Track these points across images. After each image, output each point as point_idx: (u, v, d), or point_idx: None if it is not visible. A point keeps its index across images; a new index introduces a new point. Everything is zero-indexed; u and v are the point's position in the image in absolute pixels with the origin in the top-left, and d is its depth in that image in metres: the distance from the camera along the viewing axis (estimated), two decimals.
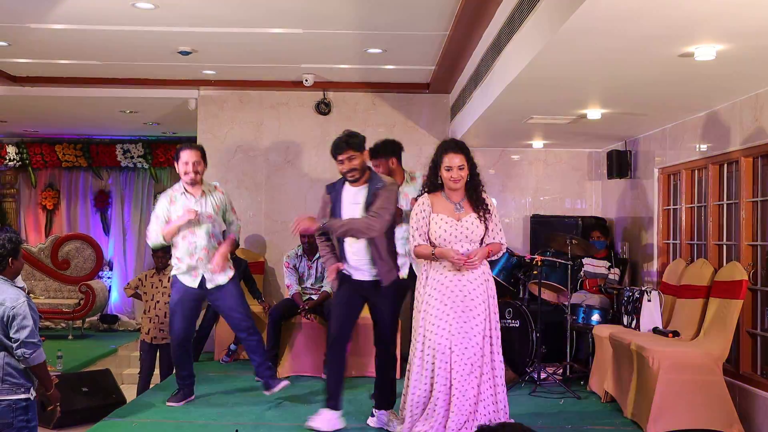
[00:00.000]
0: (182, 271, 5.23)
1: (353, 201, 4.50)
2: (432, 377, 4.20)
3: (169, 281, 6.77)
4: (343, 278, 4.62)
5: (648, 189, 6.74)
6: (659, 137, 6.51)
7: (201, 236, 5.16)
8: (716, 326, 4.94)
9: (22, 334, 3.83)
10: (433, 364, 4.19)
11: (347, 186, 4.55)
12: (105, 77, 7.70)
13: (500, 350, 4.33)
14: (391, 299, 4.65)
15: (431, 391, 4.20)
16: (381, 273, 4.53)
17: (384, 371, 4.74)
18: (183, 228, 5.15)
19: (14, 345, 3.83)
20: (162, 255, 6.87)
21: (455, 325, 4.17)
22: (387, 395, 4.74)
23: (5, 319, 3.84)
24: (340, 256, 4.61)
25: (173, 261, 5.32)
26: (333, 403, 4.65)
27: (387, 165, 5.25)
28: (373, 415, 4.80)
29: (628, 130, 6.68)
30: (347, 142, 4.53)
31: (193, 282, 5.21)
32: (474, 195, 4.26)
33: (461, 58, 6.50)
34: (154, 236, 5.21)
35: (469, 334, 4.16)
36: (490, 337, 4.27)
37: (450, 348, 4.15)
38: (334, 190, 4.60)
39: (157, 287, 6.71)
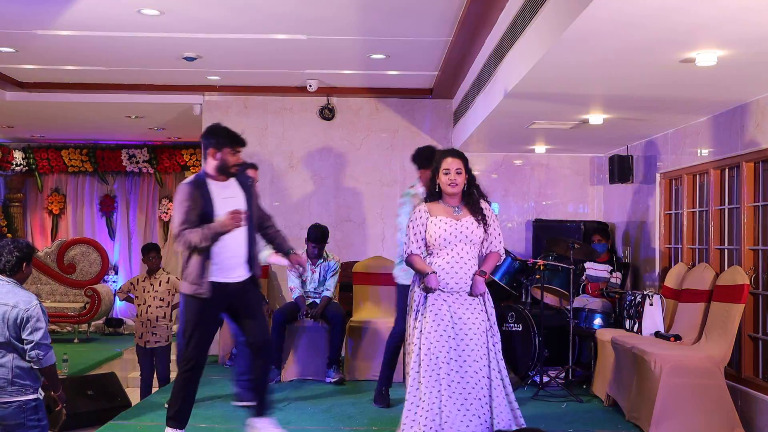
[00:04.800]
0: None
1: (227, 195, 4.31)
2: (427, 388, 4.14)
3: (160, 285, 6.82)
4: (192, 297, 4.29)
5: (650, 193, 6.76)
6: (661, 142, 6.54)
7: None
8: (718, 330, 4.95)
9: (36, 336, 3.95)
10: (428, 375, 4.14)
11: (210, 181, 4.33)
12: (111, 83, 7.75)
13: (501, 357, 4.29)
14: (256, 296, 4.49)
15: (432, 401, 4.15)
16: (257, 271, 4.45)
17: (266, 372, 4.49)
18: None
19: (27, 346, 3.94)
20: (154, 256, 6.89)
21: (452, 343, 4.14)
22: (269, 398, 4.50)
23: (18, 321, 3.96)
24: (206, 263, 4.24)
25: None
26: (183, 423, 4.38)
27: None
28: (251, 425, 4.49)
29: (630, 135, 6.69)
30: (241, 138, 4.41)
31: None
32: (471, 201, 4.26)
33: (464, 63, 6.53)
34: None
35: (468, 347, 4.16)
36: (493, 345, 4.26)
37: (447, 362, 4.12)
38: (201, 187, 4.27)
39: (148, 291, 6.73)
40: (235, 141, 4.36)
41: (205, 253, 4.22)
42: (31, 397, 4.00)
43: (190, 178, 4.39)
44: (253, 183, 4.50)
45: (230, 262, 4.30)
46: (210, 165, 4.34)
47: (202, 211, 4.22)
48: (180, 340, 4.88)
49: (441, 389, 4.07)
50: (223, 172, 4.33)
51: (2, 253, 4.06)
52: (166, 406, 4.58)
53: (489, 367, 4.15)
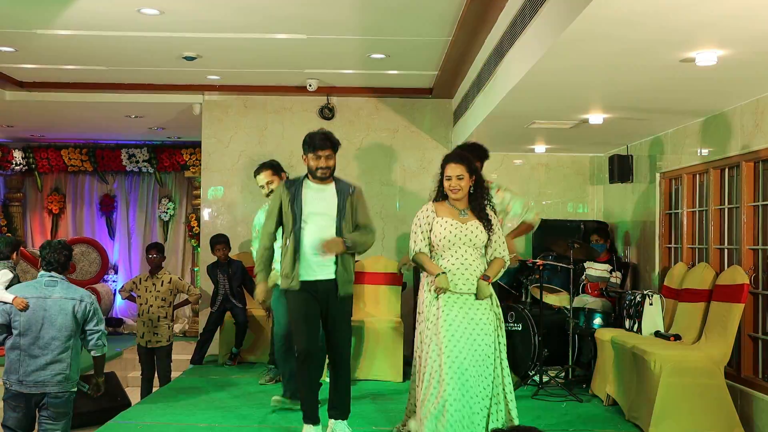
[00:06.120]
0: None
1: (318, 198, 4.49)
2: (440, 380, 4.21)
3: (162, 285, 6.81)
4: (288, 292, 4.50)
5: (650, 193, 6.77)
6: (660, 142, 6.54)
7: None
8: (717, 330, 4.96)
9: (101, 326, 4.55)
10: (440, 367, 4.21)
11: (308, 183, 4.54)
12: (110, 82, 7.77)
13: (505, 356, 4.34)
14: (348, 308, 4.64)
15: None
16: (342, 281, 4.49)
17: (336, 385, 4.60)
18: None
19: (93, 336, 4.52)
20: (154, 254, 6.90)
21: (464, 340, 4.19)
22: (338, 406, 4.60)
23: (85, 313, 4.47)
24: (296, 256, 4.43)
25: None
26: (313, 419, 4.56)
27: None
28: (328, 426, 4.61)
29: (629, 134, 6.71)
30: (330, 140, 4.55)
31: None
32: (477, 205, 4.30)
33: (464, 63, 6.54)
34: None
35: (478, 343, 4.21)
36: (499, 343, 4.30)
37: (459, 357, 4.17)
38: (293, 186, 4.54)
39: (150, 290, 6.75)
40: (313, 146, 4.52)
41: (296, 249, 4.45)
42: (75, 389, 4.53)
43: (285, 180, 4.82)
44: (354, 192, 4.58)
45: (314, 259, 4.45)
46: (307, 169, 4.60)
47: (290, 207, 4.46)
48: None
49: (466, 389, 4.10)
50: (313, 175, 4.55)
51: (54, 252, 4.52)
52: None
53: (493, 366, 4.21)
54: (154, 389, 6.75)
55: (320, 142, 4.51)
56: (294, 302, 4.51)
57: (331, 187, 4.55)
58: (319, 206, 4.47)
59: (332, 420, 4.60)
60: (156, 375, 6.96)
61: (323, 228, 4.44)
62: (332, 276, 4.47)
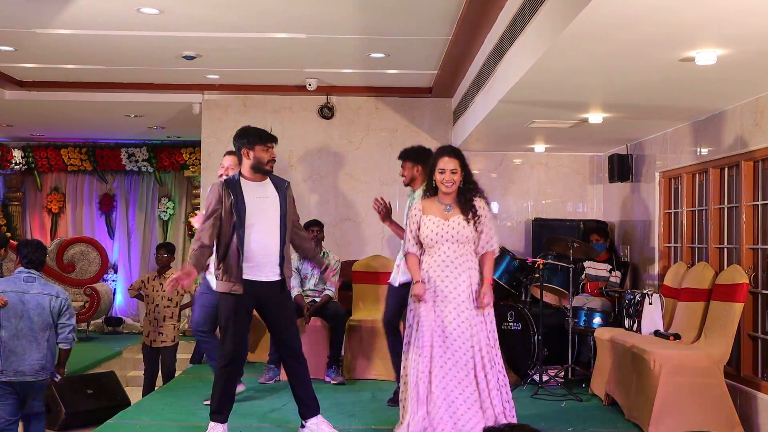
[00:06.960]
0: None
1: (259, 195, 4.41)
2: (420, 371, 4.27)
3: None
4: (229, 294, 4.36)
5: (649, 192, 6.78)
6: (660, 141, 6.55)
7: None
8: (717, 329, 4.96)
9: (73, 321, 4.88)
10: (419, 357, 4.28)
11: (244, 182, 4.44)
12: (110, 82, 7.77)
13: (498, 351, 4.36)
14: (291, 303, 4.65)
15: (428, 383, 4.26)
16: (287, 277, 4.47)
17: (304, 382, 4.53)
18: None
19: (65, 330, 4.83)
20: (162, 253, 6.91)
21: (440, 328, 4.26)
22: (313, 402, 4.56)
23: (59, 308, 4.78)
24: (240, 255, 4.30)
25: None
26: (225, 418, 4.48)
27: (412, 171, 5.26)
28: (303, 426, 4.54)
29: (629, 134, 6.71)
30: (271, 134, 4.56)
31: None
32: (463, 198, 4.33)
33: (463, 62, 6.54)
34: None
35: (455, 334, 4.25)
36: (489, 347, 4.31)
37: (433, 345, 4.24)
38: (232, 186, 4.38)
39: (157, 290, 6.75)
40: (266, 137, 4.49)
41: (239, 251, 4.31)
42: (49, 377, 4.86)
43: (225, 178, 4.60)
44: (289, 186, 4.59)
45: (262, 260, 4.38)
46: (245, 165, 4.47)
47: (232, 209, 4.32)
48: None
49: (447, 388, 4.18)
50: (259, 169, 4.45)
51: (35, 251, 4.85)
52: (207, 403, 4.88)
53: (476, 368, 4.23)
54: (157, 388, 6.75)
55: (268, 135, 4.52)
56: (230, 307, 4.36)
57: (268, 184, 4.50)
58: (263, 204, 4.40)
59: (309, 420, 4.51)
60: (160, 374, 6.96)
61: (269, 227, 4.38)
62: (279, 277, 4.42)
